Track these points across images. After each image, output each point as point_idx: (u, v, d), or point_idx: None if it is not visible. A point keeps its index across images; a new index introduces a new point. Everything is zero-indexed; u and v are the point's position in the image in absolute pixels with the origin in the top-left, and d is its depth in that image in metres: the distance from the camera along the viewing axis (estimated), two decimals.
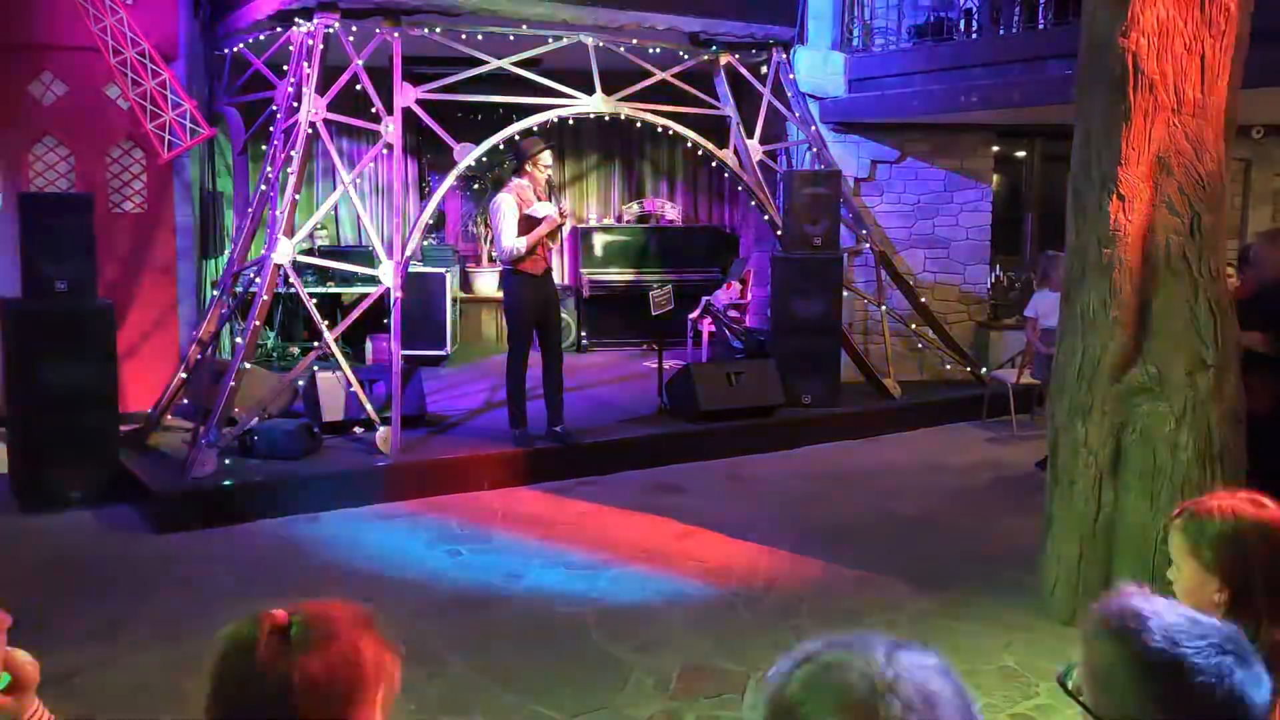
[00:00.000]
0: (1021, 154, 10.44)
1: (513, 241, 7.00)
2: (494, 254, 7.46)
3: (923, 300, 9.40)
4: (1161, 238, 4.71)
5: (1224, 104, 4.70)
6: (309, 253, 8.57)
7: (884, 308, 9.32)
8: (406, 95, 7.48)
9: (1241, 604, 2.06)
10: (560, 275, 10.65)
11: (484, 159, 8.00)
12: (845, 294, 8.94)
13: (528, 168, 7.11)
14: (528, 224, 7.02)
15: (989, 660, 4.54)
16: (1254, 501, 2.16)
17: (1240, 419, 4.81)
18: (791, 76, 9.20)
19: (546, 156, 7.14)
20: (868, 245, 9.33)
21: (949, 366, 9.52)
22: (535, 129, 7.88)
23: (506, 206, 7.06)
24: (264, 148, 8.10)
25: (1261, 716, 1.39)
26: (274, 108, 7.87)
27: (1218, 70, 4.65)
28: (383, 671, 1.46)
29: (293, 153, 7.25)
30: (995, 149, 9.99)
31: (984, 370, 9.30)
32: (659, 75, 8.43)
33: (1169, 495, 4.55)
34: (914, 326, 9.49)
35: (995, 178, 10.11)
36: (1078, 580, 4.85)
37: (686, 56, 8.72)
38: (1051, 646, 4.59)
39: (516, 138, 7.74)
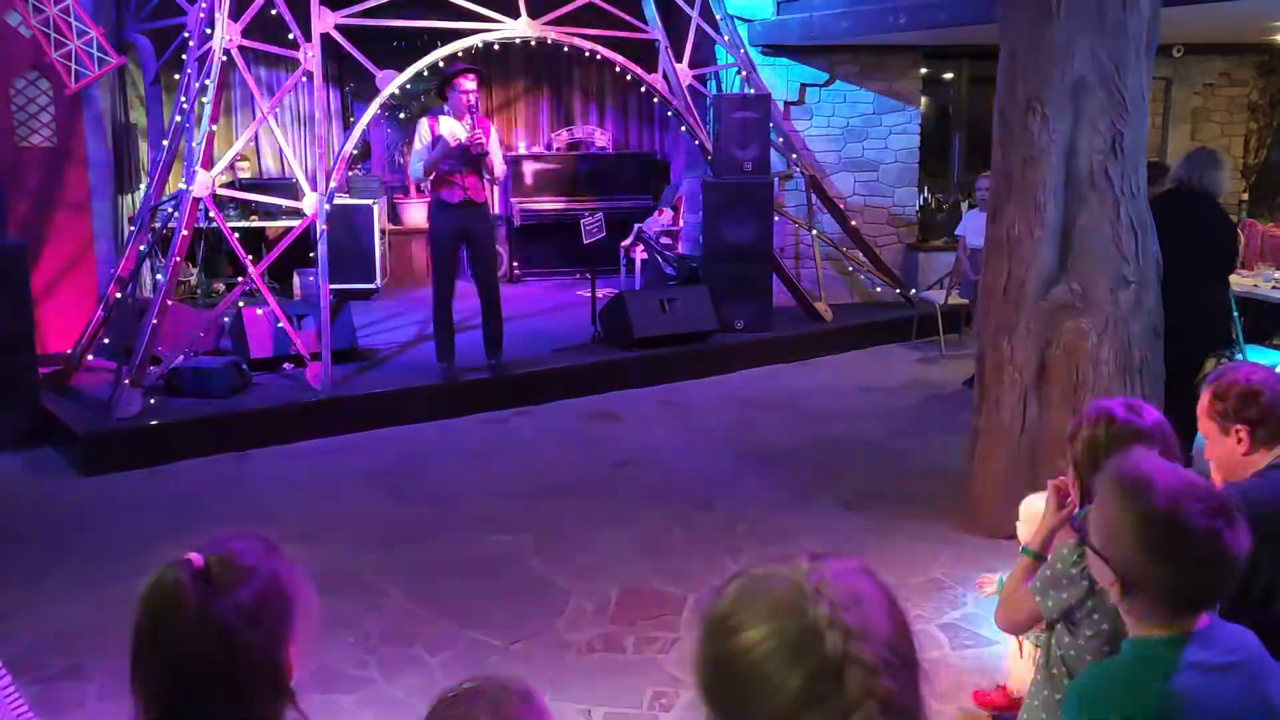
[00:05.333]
0: (949, 75, 10.46)
1: (412, 165, 7.15)
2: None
3: (853, 223, 9.45)
4: (1084, 156, 4.78)
5: (1145, 23, 4.74)
6: (230, 186, 8.33)
7: (814, 231, 9.36)
8: (325, 20, 7.24)
9: (1089, 494, 2.22)
10: (491, 205, 10.49)
11: (408, 86, 7.80)
12: (776, 218, 8.96)
13: (449, 92, 6.98)
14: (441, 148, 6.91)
15: (919, 573, 4.66)
16: (1128, 406, 2.29)
17: (1159, 334, 4.94)
18: None
19: (465, 81, 6.97)
20: (798, 169, 9.33)
21: (879, 289, 9.62)
22: (460, 54, 7.69)
23: (418, 130, 7.07)
24: (177, 77, 7.81)
25: (1240, 565, 1.67)
26: (186, 34, 7.57)
27: None
28: (302, 594, 1.46)
29: (207, 82, 7.00)
30: (923, 71, 10.00)
31: (913, 292, 9.42)
32: None
33: None
34: (844, 250, 9.55)
35: (923, 100, 10.13)
36: (1003, 493, 4.97)
37: None
38: (978, 558, 4.72)
39: (441, 63, 7.56)
